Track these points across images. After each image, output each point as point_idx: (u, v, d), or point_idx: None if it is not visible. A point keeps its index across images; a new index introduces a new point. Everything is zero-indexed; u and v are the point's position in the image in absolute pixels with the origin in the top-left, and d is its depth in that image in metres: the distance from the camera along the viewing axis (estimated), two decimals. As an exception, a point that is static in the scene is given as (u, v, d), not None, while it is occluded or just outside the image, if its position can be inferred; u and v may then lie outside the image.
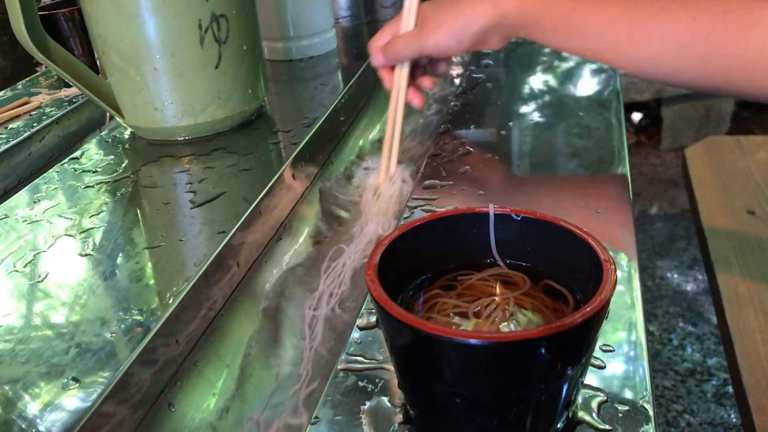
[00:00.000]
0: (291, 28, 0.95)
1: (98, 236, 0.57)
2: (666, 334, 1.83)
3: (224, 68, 0.71)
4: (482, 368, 0.34)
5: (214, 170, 0.66)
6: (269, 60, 0.96)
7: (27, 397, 0.40)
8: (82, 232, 0.58)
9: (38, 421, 0.39)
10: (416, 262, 0.42)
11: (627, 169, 0.66)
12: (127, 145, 0.74)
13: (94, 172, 0.68)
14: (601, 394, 0.41)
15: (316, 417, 0.41)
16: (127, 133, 0.77)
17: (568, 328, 0.32)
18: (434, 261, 0.43)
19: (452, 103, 0.85)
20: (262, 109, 0.80)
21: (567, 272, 0.41)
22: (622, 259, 0.53)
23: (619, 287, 0.49)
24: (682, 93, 2.63)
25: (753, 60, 0.52)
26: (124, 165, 0.70)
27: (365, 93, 0.93)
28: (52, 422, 0.38)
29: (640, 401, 0.40)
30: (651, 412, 0.39)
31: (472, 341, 0.32)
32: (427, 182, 0.67)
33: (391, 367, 0.44)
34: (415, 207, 0.63)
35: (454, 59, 1.03)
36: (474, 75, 0.93)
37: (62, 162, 0.72)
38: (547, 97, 0.86)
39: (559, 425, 0.38)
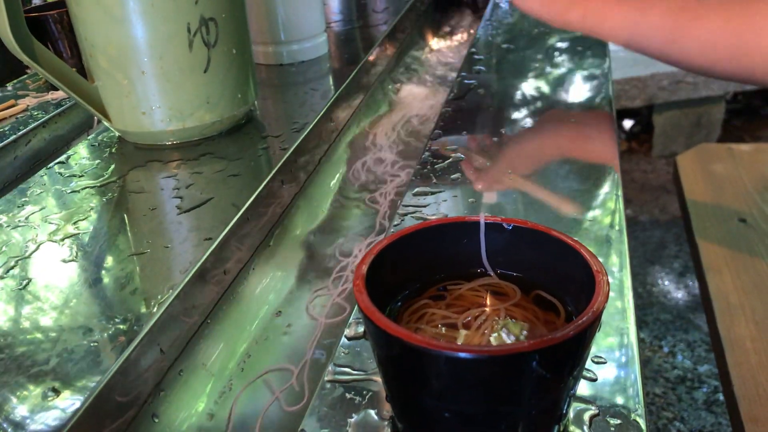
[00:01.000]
0: (282, 32, 0.94)
1: (83, 242, 0.56)
2: (657, 341, 1.83)
3: (213, 72, 0.70)
4: (472, 382, 0.33)
5: (202, 175, 0.66)
6: (260, 64, 0.95)
7: (5, 409, 0.39)
8: (66, 237, 0.57)
9: (16, 433, 0.38)
10: (405, 271, 0.41)
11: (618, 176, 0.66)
12: (114, 150, 0.73)
13: (80, 177, 0.67)
14: (593, 407, 0.40)
15: (302, 430, 0.40)
16: (114, 138, 0.76)
17: (560, 342, 0.31)
18: (423, 270, 0.42)
19: (444, 110, 0.84)
20: (252, 113, 0.79)
21: (558, 283, 0.40)
22: (613, 265, 0.52)
23: (611, 294, 0.49)
24: (673, 100, 2.64)
25: None
26: (110, 169, 0.69)
27: (356, 98, 0.92)
28: (31, 435, 0.37)
29: (633, 415, 0.39)
30: (644, 426, 0.39)
31: (462, 355, 0.31)
32: (417, 189, 0.66)
33: (379, 378, 0.43)
34: (405, 214, 0.62)
35: (447, 65, 1.02)
36: (466, 81, 0.93)
37: (48, 166, 0.70)
38: (539, 104, 0.85)
39: (550, 439, 0.37)
